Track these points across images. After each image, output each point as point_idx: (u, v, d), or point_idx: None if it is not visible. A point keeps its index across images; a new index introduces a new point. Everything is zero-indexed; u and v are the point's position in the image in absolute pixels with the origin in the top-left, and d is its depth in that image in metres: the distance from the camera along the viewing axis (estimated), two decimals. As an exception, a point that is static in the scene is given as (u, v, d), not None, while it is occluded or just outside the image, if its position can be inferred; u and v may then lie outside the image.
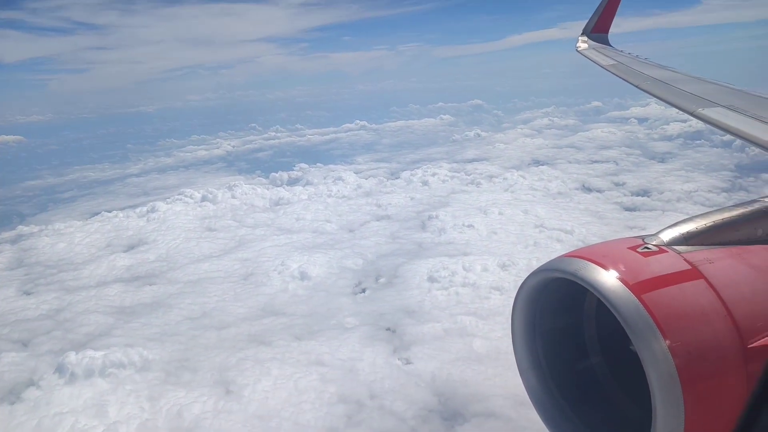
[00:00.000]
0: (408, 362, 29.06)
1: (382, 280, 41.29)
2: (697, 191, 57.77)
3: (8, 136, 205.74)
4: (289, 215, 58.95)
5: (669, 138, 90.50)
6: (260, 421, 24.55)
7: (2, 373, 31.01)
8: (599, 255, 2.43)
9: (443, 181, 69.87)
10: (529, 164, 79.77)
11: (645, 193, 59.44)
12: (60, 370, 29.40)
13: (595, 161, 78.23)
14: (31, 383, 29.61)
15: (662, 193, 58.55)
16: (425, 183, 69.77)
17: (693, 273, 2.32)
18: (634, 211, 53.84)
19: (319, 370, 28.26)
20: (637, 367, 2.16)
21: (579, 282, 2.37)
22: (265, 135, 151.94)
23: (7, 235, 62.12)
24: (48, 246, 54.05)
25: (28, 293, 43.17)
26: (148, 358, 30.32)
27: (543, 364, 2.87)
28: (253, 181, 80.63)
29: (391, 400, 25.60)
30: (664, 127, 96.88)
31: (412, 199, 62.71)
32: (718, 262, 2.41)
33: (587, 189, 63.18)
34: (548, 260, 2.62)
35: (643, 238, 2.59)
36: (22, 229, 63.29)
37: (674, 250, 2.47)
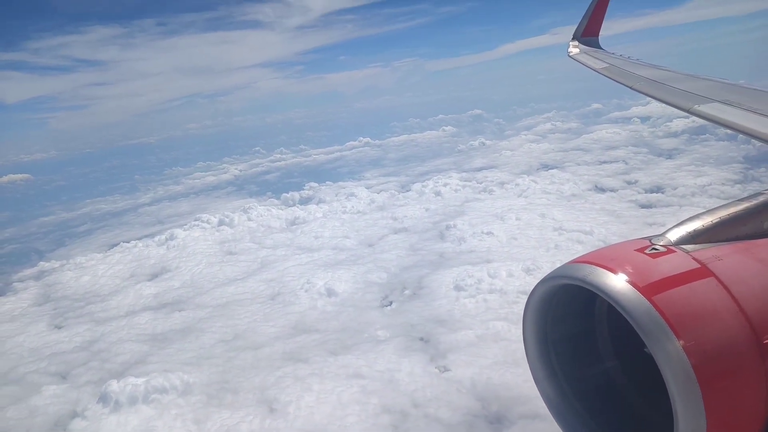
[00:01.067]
0: (446, 369, 29.33)
1: (407, 292, 41.63)
2: (710, 185, 58.11)
3: (15, 175, 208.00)
4: (307, 234, 59.47)
5: (674, 134, 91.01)
6: (309, 436, 24.83)
7: (45, 406, 31.44)
8: (607, 259, 2.43)
9: (456, 191, 70.41)
10: (538, 169, 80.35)
11: (658, 189, 59.83)
12: (103, 399, 29.77)
13: (604, 162, 78.71)
14: (75, 414, 30.00)
15: (676, 188, 58.93)
16: (438, 194, 70.28)
17: (702, 271, 2.32)
18: (651, 208, 54.16)
19: (360, 383, 28.55)
20: (653, 370, 2.14)
21: (588, 287, 2.36)
22: (271, 157, 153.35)
23: (30, 272, 62.94)
24: (72, 280, 54.66)
25: (59, 327, 43.67)
26: (188, 382, 30.67)
27: (558, 372, 2.86)
28: (266, 203, 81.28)
29: (435, 408, 25.87)
30: (668, 124, 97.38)
31: (427, 210, 63.21)
32: (727, 258, 2.40)
33: (600, 189, 63.59)
34: (555, 267, 2.64)
35: (650, 239, 2.59)
36: (44, 265, 64.06)
37: (682, 249, 2.47)
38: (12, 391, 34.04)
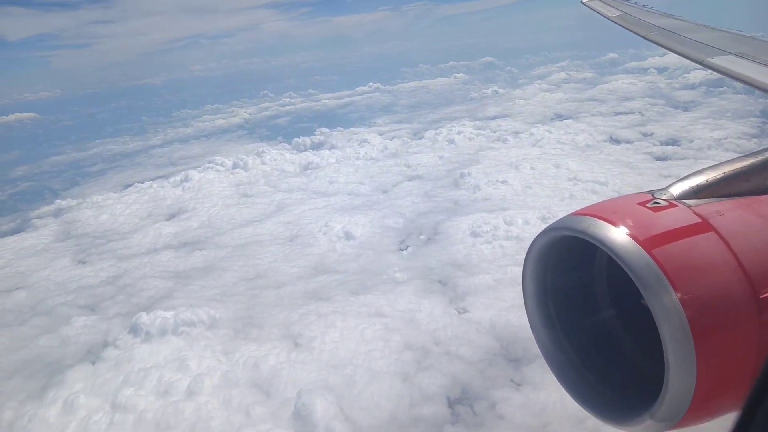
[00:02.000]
0: (465, 311, 30.26)
1: (422, 237, 42.31)
2: (727, 138, 57.76)
3: (22, 114, 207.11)
4: (321, 179, 59.85)
5: (691, 86, 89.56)
6: (335, 369, 25.94)
7: (77, 335, 32.72)
8: (608, 211, 2.44)
9: (469, 139, 70.22)
10: (552, 119, 79.58)
11: (674, 142, 59.55)
12: (134, 330, 30.93)
13: (620, 113, 77.92)
14: (106, 344, 31.22)
15: (692, 141, 58.63)
16: (451, 141, 70.11)
17: (703, 226, 2.32)
18: (666, 160, 54.12)
19: (382, 321, 29.55)
20: (649, 322, 2.18)
21: (589, 239, 2.38)
22: (280, 101, 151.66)
23: (47, 209, 63.86)
24: (91, 218, 55.57)
25: (82, 262, 44.78)
26: (215, 317, 31.77)
27: (555, 321, 2.90)
28: (278, 147, 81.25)
29: (455, 346, 26.89)
30: (685, 75, 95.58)
31: (440, 158, 63.28)
32: (728, 213, 2.40)
33: (615, 141, 63.30)
34: (557, 218, 2.66)
35: (652, 192, 2.60)
36: (60, 203, 64.92)
37: (684, 203, 2.48)
38: (42, 322, 35.37)
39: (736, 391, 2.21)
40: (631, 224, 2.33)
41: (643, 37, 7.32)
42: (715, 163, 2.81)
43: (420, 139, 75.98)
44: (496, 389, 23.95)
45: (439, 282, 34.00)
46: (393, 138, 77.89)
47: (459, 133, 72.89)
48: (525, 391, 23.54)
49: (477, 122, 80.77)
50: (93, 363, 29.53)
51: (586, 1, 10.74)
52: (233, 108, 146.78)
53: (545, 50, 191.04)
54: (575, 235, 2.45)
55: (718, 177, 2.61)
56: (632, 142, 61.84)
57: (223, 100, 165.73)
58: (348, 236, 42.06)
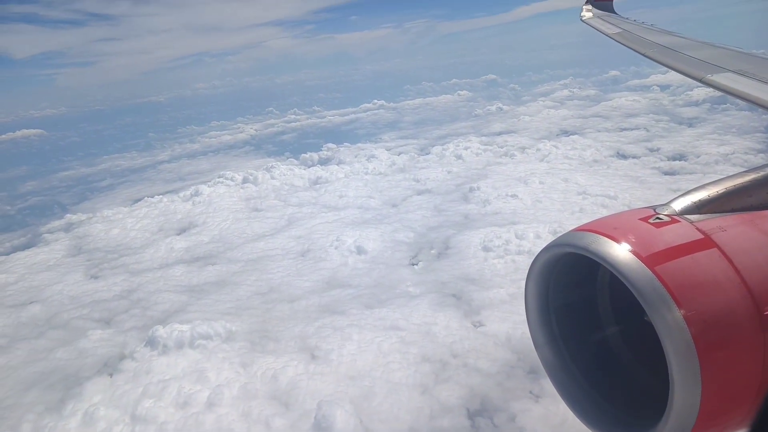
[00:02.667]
0: (480, 324, 30.40)
1: (433, 251, 42.57)
2: (733, 153, 58.17)
3: (29, 131, 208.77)
4: (331, 193, 60.27)
5: (695, 103, 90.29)
6: (353, 381, 26.04)
7: (94, 348, 32.87)
8: (610, 228, 2.43)
9: (477, 155, 70.72)
10: (558, 135, 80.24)
11: (681, 157, 59.97)
12: (151, 343, 31.08)
13: (624, 129, 78.54)
14: (123, 356, 31.37)
15: (699, 156, 59.03)
16: (459, 157, 70.61)
17: (706, 242, 2.31)
18: (674, 175, 54.46)
19: (398, 334, 29.68)
20: (653, 339, 2.16)
21: (591, 256, 2.36)
22: (285, 118, 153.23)
23: (58, 223, 64.34)
24: (102, 232, 55.94)
25: (95, 277, 45.05)
26: (231, 330, 31.93)
27: (558, 338, 2.89)
28: (286, 163, 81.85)
29: (473, 359, 27.00)
30: (688, 92, 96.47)
31: (449, 172, 63.71)
32: (731, 229, 2.38)
33: (622, 156, 63.75)
34: (559, 235, 2.66)
35: (654, 208, 2.58)
36: (71, 217, 65.34)
37: (686, 219, 2.46)
38: (58, 335, 35.55)
39: (741, 408, 2.21)
40: (634, 240, 2.32)
41: (643, 55, 7.30)
42: (719, 177, 2.80)
43: (427, 154, 76.54)
44: (515, 401, 24.02)
45: (453, 296, 34.14)
46: (400, 153, 78.46)
47: (466, 148, 73.43)
48: (544, 403, 23.60)
49: (483, 138, 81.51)
50: (111, 375, 29.66)
51: (586, 19, 10.75)
52: (239, 124, 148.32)
53: (547, 68, 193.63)
54: (577, 252, 2.44)
55: (720, 192, 2.58)
56: (639, 157, 62.28)
57: (228, 117, 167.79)
58: (360, 251, 42.31)
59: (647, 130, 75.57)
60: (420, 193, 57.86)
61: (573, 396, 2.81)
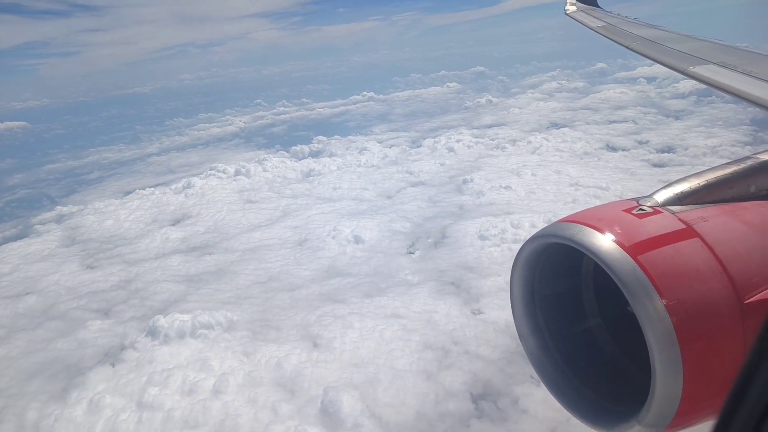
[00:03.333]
0: (480, 312, 30.90)
1: (430, 240, 43.01)
2: (721, 146, 59.26)
3: (12, 123, 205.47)
4: (324, 185, 60.39)
5: (682, 96, 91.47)
6: (357, 368, 26.41)
7: (94, 339, 32.88)
8: (594, 219, 2.48)
9: (469, 147, 71.19)
10: (548, 127, 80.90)
11: (670, 149, 60.98)
12: (152, 333, 31.18)
13: (613, 121, 79.47)
14: (124, 347, 31.45)
15: (687, 149, 60.09)
16: (451, 149, 71.03)
17: (688, 232, 2.35)
18: (663, 167, 55.38)
19: (399, 322, 30.09)
20: (636, 329, 2.20)
21: (575, 246, 2.41)
22: (274, 110, 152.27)
23: (48, 215, 63.67)
24: (95, 223, 55.57)
25: (91, 267, 44.86)
26: (232, 319, 32.12)
27: (543, 328, 2.93)
28: (277, 155, 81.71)
29: (474, 346, 27.51)
30: (675, 85, 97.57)
31: (441, 165, 64.10)
32: (712, 220, 2.43)
33: (612, 148, 64.62)
34: (544, 226, 2.71)
35: (638, 200, 2.63)
36: (61, 209, 64.71)
37: (669, 210, 2.50)
38: (57, 326, 35.47)
39: (722, 395, 2.36)
40: (617, 231, 2.36)
41: (627, 47, 7.41)
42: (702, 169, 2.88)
43: (419, 147, 76.85)
44: (517, 385, 24.55)
45: (452, 284, 34.62)
46: (392, 146, 78.73)
47: (458, 141, 73.89)
48: (545, 388, 24.13)
49: (474, 130, 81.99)
50: (113, 365, 29.74)
51: (570, 12, 10.94)
52: (228, 117, 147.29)
53: (535, 60, 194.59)
54: (562, 242, 2.49)
55: (701, 184, 2.64)
56: (628, 149, 63.19)
57: (216, 109, 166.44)
58: (357, 240, 42.62)
59: (636, 123, 76.56)
60: (414, 185, 58.20)
61: (557, 385, 2.88)
